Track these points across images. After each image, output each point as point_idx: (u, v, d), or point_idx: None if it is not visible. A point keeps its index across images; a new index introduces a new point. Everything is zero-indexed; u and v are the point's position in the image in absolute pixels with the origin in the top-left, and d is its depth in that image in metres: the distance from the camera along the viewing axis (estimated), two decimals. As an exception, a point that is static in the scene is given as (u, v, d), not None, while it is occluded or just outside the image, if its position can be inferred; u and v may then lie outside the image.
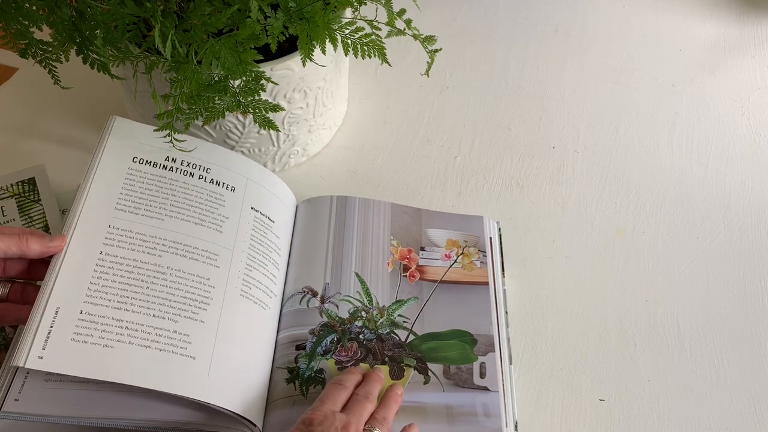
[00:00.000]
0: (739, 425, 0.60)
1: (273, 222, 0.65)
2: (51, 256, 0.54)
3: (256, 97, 0.57)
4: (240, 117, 0.66)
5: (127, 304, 0.54)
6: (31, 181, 0.69)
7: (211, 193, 0.62)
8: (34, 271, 0.56)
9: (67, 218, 0.56)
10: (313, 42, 0.57)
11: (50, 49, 0.58)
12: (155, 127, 0.63)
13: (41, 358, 0.49)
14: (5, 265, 0.55)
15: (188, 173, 0.63)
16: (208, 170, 0.64)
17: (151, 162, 0.62)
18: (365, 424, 0.52)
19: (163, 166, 0.62)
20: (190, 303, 0.56)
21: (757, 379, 0.63)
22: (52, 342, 0.50)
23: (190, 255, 0.58)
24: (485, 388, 0.58)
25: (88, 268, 0.54)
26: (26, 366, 0.49)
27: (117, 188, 0.59)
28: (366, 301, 0.63)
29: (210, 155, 0.65)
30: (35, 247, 0.53)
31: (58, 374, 0.51)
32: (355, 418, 0.52)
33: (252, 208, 0.64)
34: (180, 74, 0.53)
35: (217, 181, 0.63)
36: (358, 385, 0.56)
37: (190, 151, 0.63)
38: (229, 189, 0.64)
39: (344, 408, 0.53)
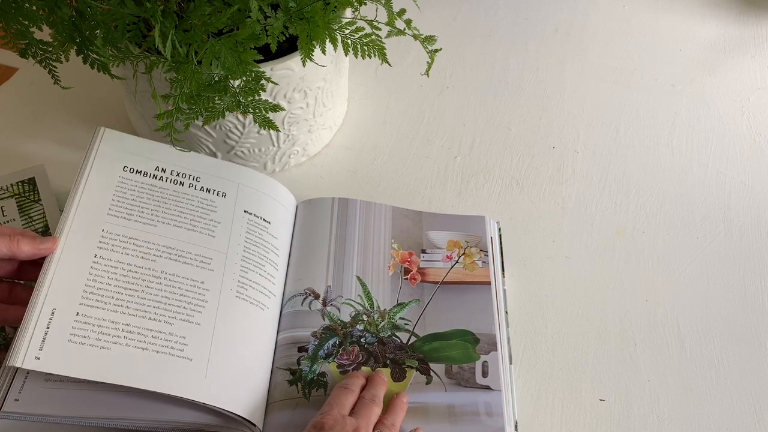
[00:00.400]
0: (739, 425, 0.60)
1: (269, 223, 0.65)
2: (41, 258, 0.54)
3: (256, 97, 0.57)
4: (240, 117, 0.66)
5: (123, 306, 0.54)
6: (31, 181, 0.69)
7: (202, 200, 0.63)
8: (24, 272, 0.56)
9: (59, 221, 0.57)
10: (313, 42, 0.57)
11: (50, 49, 0.58)
12: (143, 138, 0.64)
13: (38, 358, 0.50)
14: None
15: (178, 182, 0.63)
16: (198, 179, 0.64)
17: (141, 171, 0.62)
18: (374, 428, 0.53)
19: (153, 175, 0.63)
20: (185, 306, 0.56)
21: (757, 379, 0.63)
22: (49, 343, 0.50)
23: (183, 259, 0.58)
24: (488, 387, 0.58)
25: (83, 270, 0.55)
26: (23, 366, 0.49)
27: (109, 195, 0.60)
28: (367, 305, 0.63)
29: (199, 165, 0.66)
30: (26, 248, 0.53)
31: (57, 375, 0.51)
32: (363, 421, 0.52)
33: (245, 211, 0.64)
34: (180, 74, 0.53)
35: (207, 189, 0.64)
36: (363, 388, 0.56)
37: (187, 151, 0.63)
38: (220, 195, 0.64)
39: (352, 411, 0.53)
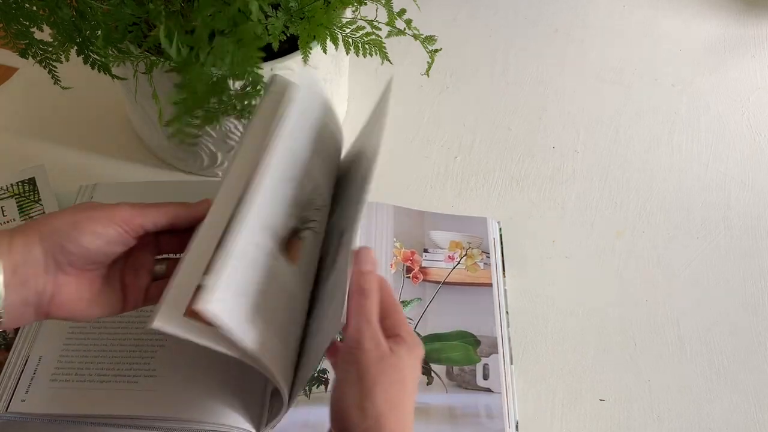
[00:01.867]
0: (739, 425, 0.60)
1: None
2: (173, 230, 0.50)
3: (253, 102, 0.57)
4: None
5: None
6: (31, 181, 0.69)
7: None
8: (164, 246, 0.52)
9: None
10: (314, 41, 0.57)
11: (50, 49, 0.58)
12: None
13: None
14: (160, 241, 0.52)
15: None
16: None
17: None
18: None
19: None
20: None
21: (757, 379, 0.63)
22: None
23: None
24: (488, 390, 0.58)
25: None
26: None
27: None
28: (367, 302, 0.63)
29: None
30: (181, 214, 0.49)
31: (64, 374, 0.52)
32: None
33: None
34: (185, 75, 0.53)
35: None
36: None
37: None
38: None
39: None
